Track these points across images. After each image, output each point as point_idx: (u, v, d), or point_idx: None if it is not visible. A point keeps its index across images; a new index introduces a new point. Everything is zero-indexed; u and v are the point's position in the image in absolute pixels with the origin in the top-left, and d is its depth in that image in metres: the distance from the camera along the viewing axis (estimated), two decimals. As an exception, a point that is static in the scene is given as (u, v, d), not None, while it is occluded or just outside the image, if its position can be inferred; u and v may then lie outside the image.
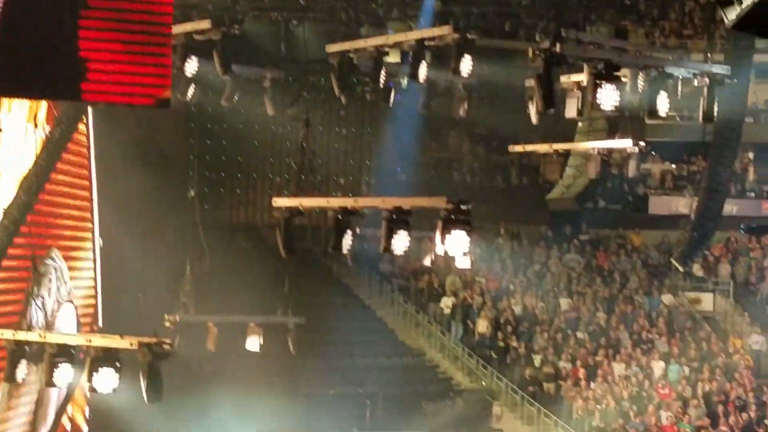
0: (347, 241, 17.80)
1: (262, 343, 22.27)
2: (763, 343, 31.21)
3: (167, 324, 21.78)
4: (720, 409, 28.52)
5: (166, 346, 13.91)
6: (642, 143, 20.81)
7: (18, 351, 15.07)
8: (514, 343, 32.13)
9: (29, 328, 18.21)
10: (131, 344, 13.93)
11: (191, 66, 18.19)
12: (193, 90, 20.36)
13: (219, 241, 25.21)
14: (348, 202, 16.00)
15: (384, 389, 28.81)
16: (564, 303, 33.60)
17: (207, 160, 28.88)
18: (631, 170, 21.41)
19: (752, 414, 27.99)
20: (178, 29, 16.87)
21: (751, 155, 37.25)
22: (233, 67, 18.83)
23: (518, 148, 22.16)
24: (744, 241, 35.47)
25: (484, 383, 31.54)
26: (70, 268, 20.84)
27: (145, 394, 13.86)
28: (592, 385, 30.00)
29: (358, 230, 16.46)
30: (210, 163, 29.14)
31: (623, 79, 16.88)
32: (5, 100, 18.10)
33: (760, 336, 31.30)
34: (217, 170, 29.87)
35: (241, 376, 24.25)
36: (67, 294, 20.65)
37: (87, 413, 22.43)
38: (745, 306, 33.26)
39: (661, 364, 30.53)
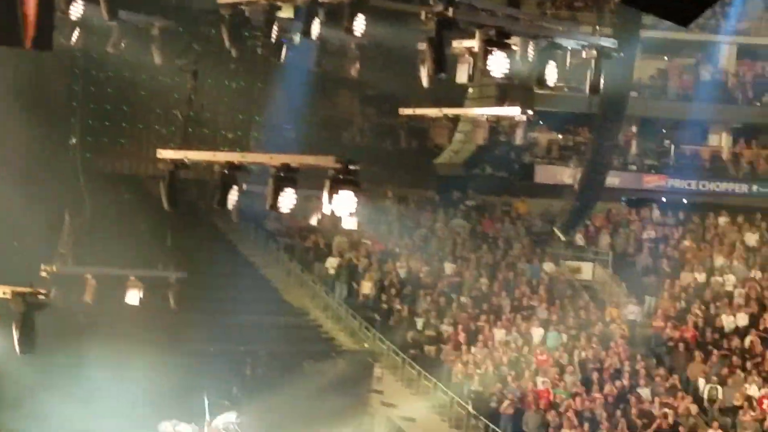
0: (233, 196, 17.58)
1: (142, 297, 21.86)
2: (638, 314, 32.01)
3: (44, 274, 21.21)
4: (595, 376, 29.14)
5: (41, 297, 13.59)
6: (530, 112, 20.96)
7: None
8: (398, 306, 32.30)
9: None
10: (4, 293, 13.59)
11: (76, 9, 17.65)
12: (78, 34, 19.76)
13: (100, 192, 24.63)
14: (235, 157, 15.81)
15: (266, 348, 28.68)
16: (448, 267, 33.88)
17: (91, 107, 28.15)
18: (519, 138, 21.55)
19: (625, 382, 28.66)
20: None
21: (634, 129, 38.05)
22: (120, 12, 18.35)
23: (408, 112, 22.11)
24: (624, 213, 36.27)
25: (366, 345, 31.65)
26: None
27: (17, 344, 13.53)
28: (473, 349, 30.36)
29: (244, 186, 16.27)
30: (94, 111, 28.42)
31: (514, 47, 16.96)
32: None
33: (635, 306, 32.09)
34: (100, 119, 29.16)
35: (119, 330, 23.84)
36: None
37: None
38: (623, 276, 34.05)
39: (540, 330, 31.05)
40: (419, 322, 31.74)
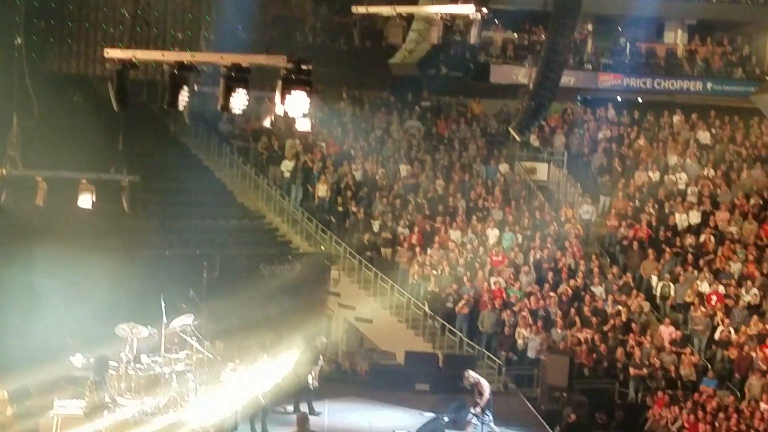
0: (183, 97, 17.20)
1: (94, 200, 21.55)
2: (593, 213, 32.17)
3: (-7, 178, 20.90)
4: (549, 275, 29.40)
5: (-8, 199, 13.27)
6: (484, 10, 20.67)
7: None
8: (354, 208, 32.24)
9: None
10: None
11: None
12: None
13: (48, 93, 24.05)
14: (184, 56, 15.40)
15: (222, 251, 28.57)
16: (404, 169, 33.81)
17: (35, 6, 27.42)
18: (473, 37, 21.28)
19: (579, 281, 28.95)
20: None
21: (590, 27, 37.79)
22: None
23: (361, 10, 21.71)
24: (579, 112, 36.26)
25: (322, 247, 31.65)
26: None
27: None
28: (429, 250, 30.45)
29: (195, 87, 15.95)
30: (39, 10, 27.69)
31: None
32: None
33: (590, 206, 32.23)
34: (46, 18, 28.45)
35: (72, 234, 23.59)
36: None
37: None
38: (578, 177, 34.14)
39: (496, 231, 31.19)
40: (375, 225, 31.75)
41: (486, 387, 20.69)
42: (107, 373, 17.58)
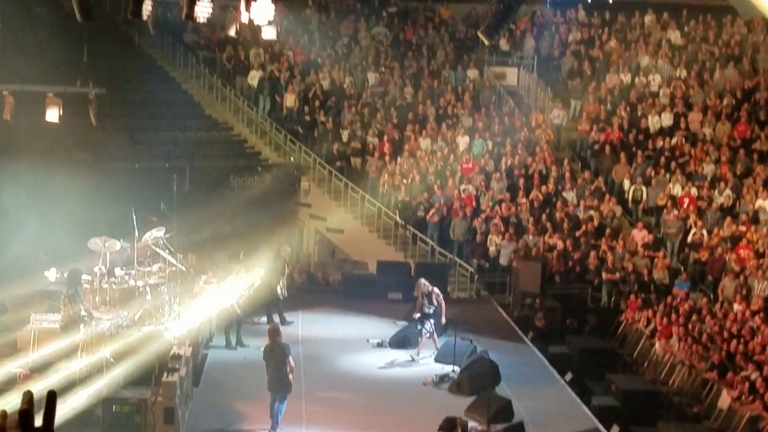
0: (147, 7, 16.94)
1: (61, 114, 21.30)
2: (564, 118, 32.04)
3: (-42, 92, 20.57)
4: (521, 182, 29.40)
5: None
6: None
7: None
8: (322, 118, 32.03)
9: None
10: None
11: None
12: None
13: (10, 6, 23.57)
14: (149, -36, 15.05)
15: (191, 163, 28.39)
16: (372, 77, 33.53)
17: None
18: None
19: (551, 187, 28.94)
20: None
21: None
22: None
23: None
24: (549, 14, 35.79)
25: (292, 158, 31.51)
26: None
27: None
28: (399, 159, 30.37)
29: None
30: None
31: None
32: None
33: (560, 111, 32.07)
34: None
35: (41, 149, 23.32)
36: None
37: None
38: (548, 81, 33.92)
39: (466, 138, 31.08)
40: (344, 134, 31.59)
41: (441, 295, 20.60)
42: (80, 285, 17.51)
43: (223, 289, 20.58)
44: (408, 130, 31.43)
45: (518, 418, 16.67)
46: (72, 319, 16.80)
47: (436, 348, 20.49)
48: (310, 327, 22.67)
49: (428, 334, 20.34)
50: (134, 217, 19.13)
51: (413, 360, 20.31)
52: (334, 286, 27.00)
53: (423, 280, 20.74)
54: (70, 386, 15.90)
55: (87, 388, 15.85)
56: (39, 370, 16.51)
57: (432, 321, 20.36)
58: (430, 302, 20.31)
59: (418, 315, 20.35)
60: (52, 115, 21.26)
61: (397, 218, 28.94)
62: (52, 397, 2.23)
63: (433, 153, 30.79)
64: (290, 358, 16.03)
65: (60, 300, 17.25)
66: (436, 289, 20.48)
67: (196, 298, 20.32)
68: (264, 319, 22.49)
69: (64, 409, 15.14)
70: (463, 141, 31.04)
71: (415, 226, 28.53)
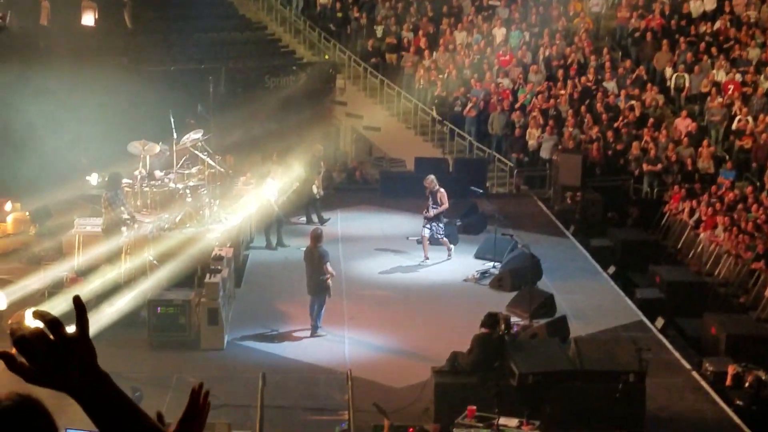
0: None
1: (96, 18, 21.20)
2: (602, 5, 31.25)
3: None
4: (559, 73, 28.97)
5: (-2, 20, 12.93)
6: None
7: None
8: (356, 14, 31.62)
9: None
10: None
11: None
12: None
13: None
14: None
15: (226, 64, 28.22)
16: (405, -30, 32.94)
17: None
18: None
19: (590, 77, 28.49)
20: None
21: None
22: None
23: None
24: None
25: (326, 56, 31.22)
26: None
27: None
28: (434, 54, 30.00)
29: None
30: None
31: None
32: None
33: (599, -1, 31.32)
34: None
35: (78, 53, 23.25)
36: None
37: None
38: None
39: (503, 30, 30.58)
40: (378, 30, 31.23)
41: (445, 197, 19.85)
42: (121, 189, 17.60)
43: (262, 190, 20.60)
44: (443, 24, 30.99)
45: (561, 312, 16.67)
46: (113, 222, 16.94)
47: (449, 252, 20.07)
48: (349, 225, 22.69)
49: (431, 238, 19.69)
50: (172, 119, 19.09)
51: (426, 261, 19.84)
52: (372, 184, 26.95)
53: (431, 177, 20.20)
54: (115, 289, 16.10)
55: (132, 291, 16.02)
56: (85, 273, 16.69)
57: (441, 224, 19.85)
58: (435, 202, 19.72)
59: (431, 215, 19.75)
60: (88, 19, 21.24)
61: (434, 114, 28.71)
62: (78, 304, 2.16)
63: (469, 46, 30.37)
64: (328, 265, 16.04)
65: (101, 204, 17.39)
66: (442, 190, 19.83)
67: (236, 200, 20.38)
68: (303, 219, 22.54)
69: (109, 312, 15.39)
70: (499, 33, 30.57)
71: (452, 121, 28.30)
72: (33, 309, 2.15)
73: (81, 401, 2.19)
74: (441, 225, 19.88)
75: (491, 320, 13.52)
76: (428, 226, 19.72)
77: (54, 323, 2.14)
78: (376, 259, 20.22)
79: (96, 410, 2.18)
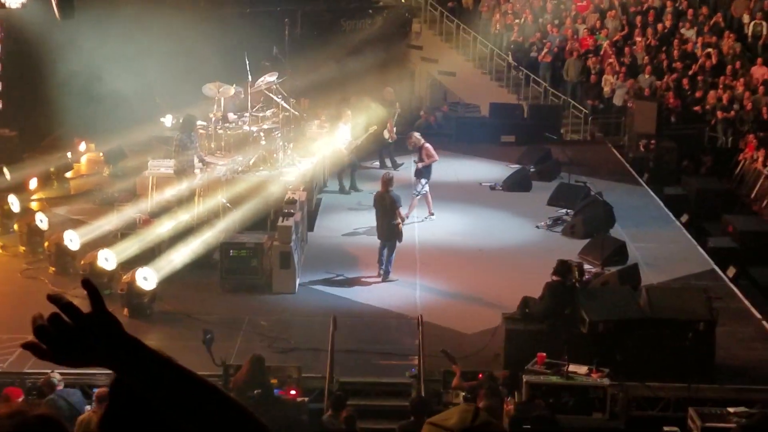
0: None
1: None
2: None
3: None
4: (637, 19, 28.52)
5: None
6: None
7: None
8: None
9: None
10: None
11: None
12: None
13: None
14: None
15: (302, 7, 28.17)
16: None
17: None
18: None
19: (667, 24, 28.00)
20: None
21: None
22: None
23: None
24: None
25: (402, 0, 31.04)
26: None
27: (57, 9, 13.12)
28: (511, -2, 29.70)
29: None
30: None
31: None
32: None
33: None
34: None
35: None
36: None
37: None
38: None
39: (580, -25, 30.14)
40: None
41: (432, 151, 18.80)
42: (195, 132, 17.70)
43: (336, 134, 20.66)
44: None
45: (633, 260, 16.57)
46: (183, 165, 17.07)
47: (430, 212, 19.06)
48: (423, 170, 22.65)
49: (418, 195, 18.71)
50: (247, 62, 19.17)
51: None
52: (447, 129, 26.85)
53: (416, 134, 19.44)
54: (187, 231, 16.26)
55: (204, 233, 16.18)
56: (157, 215, 16.88)
57: (424, 180, 18.72)
58: (420, 158, 18.85)
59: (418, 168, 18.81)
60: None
61: (510, 59, 28.45)
62: (89, 287, 2.20)
63: (546, -8, 30.00)
64: (401, 209, 16.05)
65: (172, 146, 17.51)
66: (427, 144, 18.89)
67: (310, 143, 20.46)
68: (376, 163, 22.58)
69: (182, 254, 15.60)
70: (577, -22, 30.12)
71: (528, 67, 28.04)
72: (48, 294, 2.21)
73: (118, 371, 2.23)
74: (424, 180, 18.74)
75: (563, 268, 13.48)
76: (422, 181, 18.72)
77: (68, 307, 2.18)
78: (449, 204, 20.16)
79: (135, 377, 2.22)
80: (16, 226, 17.13)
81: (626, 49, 27.48)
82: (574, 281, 13.57)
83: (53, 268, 15.79)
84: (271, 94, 19.71)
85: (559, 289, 13.22)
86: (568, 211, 19.17)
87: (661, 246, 18.02)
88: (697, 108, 25.63)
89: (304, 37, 26.23)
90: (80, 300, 2.18)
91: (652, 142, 24.03)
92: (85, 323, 2.17)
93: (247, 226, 16.61)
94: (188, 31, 21.47)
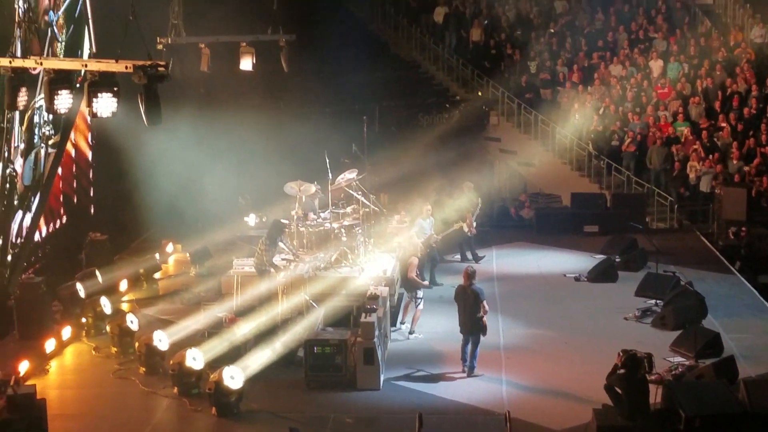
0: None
1: (254, 62, 21.69)
2: (765, 35, 30.36)
3: (160, 47, 21.16)
4: (718, 104, 28.17)
5: (160, 69, 13.26)
6: None
7: (16, 79, 14.65)
8: (509, 51, 31.48)
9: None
10: (126, 67, 13.35)
11: None
12: None
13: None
14: None
15: (379, 104, 28.45)
16: (558, 6, 32.70)
17: None
18: None
19: (753, 109, 27.62)
20: None
21: None
22: None
23: None
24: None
25: (479, 93, 31.16)
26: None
27: (145, 116, 13.35)
28: (590, 88, 29.58)
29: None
30: None
31: None
32: None
33: (761, 28, 30.42)
34: None
35: (236, 96, 23.83)
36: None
37: (90, 139, 22.26)
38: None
39: (660, 62, 29.99)
40: (532, 66, 30.99)
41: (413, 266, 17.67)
42: (281, 238, 17.79)
43: (416, 228, 20.54)
44: (597, 58, 30.55)
45: (728, 351, 16.02)
46: (261, 268, 17.22)
47: (402, 320, 18.11)
48: (505, 263, 22.43)
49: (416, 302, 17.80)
50: (327, 159, 19.27)
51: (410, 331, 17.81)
52: (528, 220, 26.62)
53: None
54: (272, 329, 16.21)
55: (288, 331, 16.11)
56: (243, 313, 16.89)
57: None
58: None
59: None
60: (246, 63, 21.70)
61: (591, 149, 28.24)
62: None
63: (626, 79, 29.85)
64: (485, 302, 15.77)
65: (257, 245, 17.63)
66: (413, 260, 17.72)
67: (390, 238, 20.37)
68: (457, 256, 22.40)
69: (267, 352, 15.51)
70: (656, 65, 29.98)
71: (610, 155, 27.78)
72: None
73: None
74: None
75: (632, 361, 13.03)
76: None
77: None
78: (533, 297, 19.86)
79: None
80: (108, 328, 17.28)
81: (711, 135, 27.09)
82: (644, 373, 13.17)
83: (143, 368, 15.89)
84: (351, 191, 19.75)
85: (631, 383, 12.79)
86: (658, 301, 18.69)
87: (758, 337, 17.41)
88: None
89: (382, 133, 26.42)
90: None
91: (743, 229, 23.52)
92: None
93: (331, 323, 16.51)
94: (270, 131, 21.75)
